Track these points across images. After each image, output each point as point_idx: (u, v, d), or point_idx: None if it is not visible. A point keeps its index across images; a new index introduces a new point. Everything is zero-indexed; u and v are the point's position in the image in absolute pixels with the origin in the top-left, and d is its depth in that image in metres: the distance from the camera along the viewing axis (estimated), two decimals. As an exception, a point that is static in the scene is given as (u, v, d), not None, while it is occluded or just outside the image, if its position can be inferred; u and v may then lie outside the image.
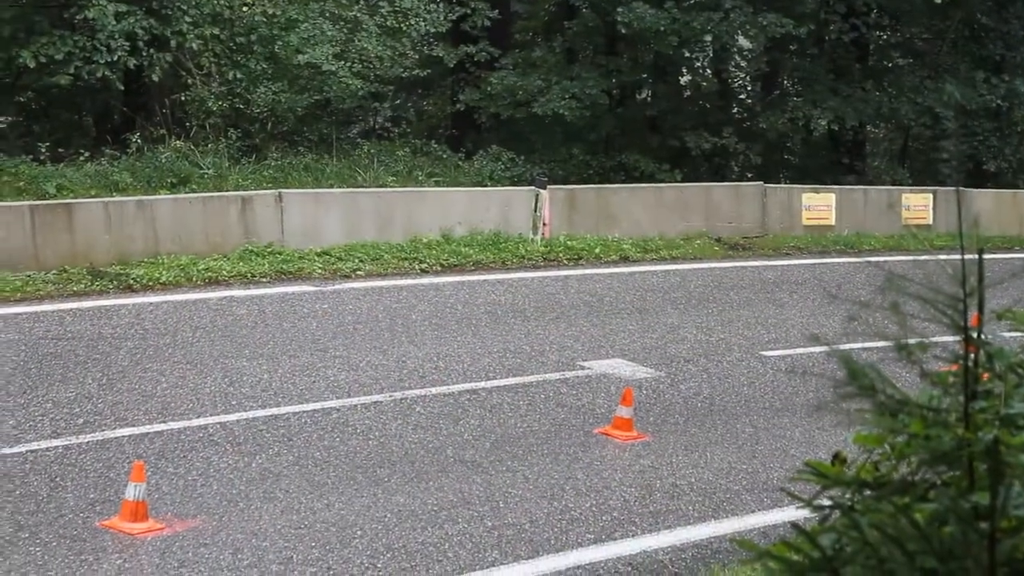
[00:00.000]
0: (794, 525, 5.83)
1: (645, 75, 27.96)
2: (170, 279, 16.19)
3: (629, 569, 9.43)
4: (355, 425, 11.76)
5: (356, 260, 17.99)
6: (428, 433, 11.73)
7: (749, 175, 26.71)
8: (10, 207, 16.70)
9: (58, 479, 10.02)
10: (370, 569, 9.00)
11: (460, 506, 10.18)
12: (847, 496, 5.08)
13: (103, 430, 11.05)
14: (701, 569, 9.45)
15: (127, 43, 20.83)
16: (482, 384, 13.19)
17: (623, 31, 25.69)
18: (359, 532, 9.53)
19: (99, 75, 20.93)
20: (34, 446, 10.59)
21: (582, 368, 13.94)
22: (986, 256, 3.23)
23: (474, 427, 11.99)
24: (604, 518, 10.22)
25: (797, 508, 5.99)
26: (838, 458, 5.15)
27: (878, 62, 30.23)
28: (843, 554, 4.78)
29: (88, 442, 10.78)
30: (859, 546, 4.72)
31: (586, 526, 10.04)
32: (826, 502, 6.31)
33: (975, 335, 3.30)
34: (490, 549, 9.47)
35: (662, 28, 25.00)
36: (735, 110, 29.81)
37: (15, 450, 10.48)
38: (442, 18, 24.50)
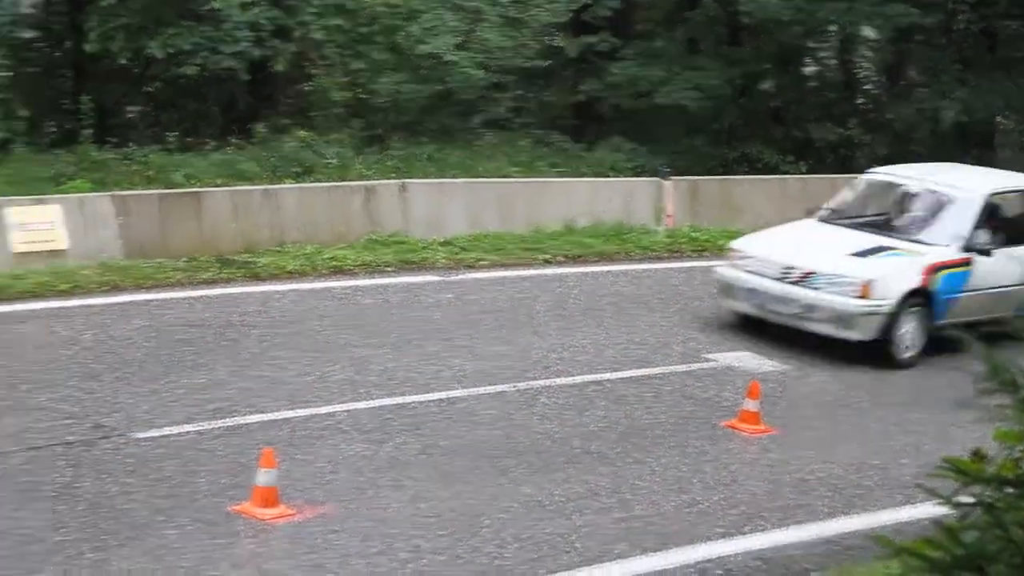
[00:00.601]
0: (937, 522, 5.69)
1: (768, 65, 27.67)
2: (296, 268, 16.32)
3: (759, 563, 9.36)
4: (481, 415, 11.78)
5: (479, 250, 18.00)
6: (554, 424, 11.72)
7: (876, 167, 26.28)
8: (141, 195, 16.94)
9: (191, 464, 10.16)
10: (498, 559, 9.01)
11: (587, 497, 10.17)
12: (987, 493, 4.95)
13: (233, 416, 11.17)
14: (832, 565, 9.35)
15: (252, 34, 21.05)
16: (607, 375, 13.15)
17: (746, 21, 25.45)
18: (487, 522, 9.55)
19: (225, 65, 21.19)
20: (167, 431, 10.74)
21: (707, 360, 13.84)
22: None
23: (600, 418, 11.96)
24: (733, 512, 10.16)
25: (935, 505, 5.84)
26: (978, 455, 5.03)
27: (1008, 52, 29.61)
28: (987, 552, 4.66)
29: (219, 428, 10.90)
30: (1003, 544, 4.60)
31: (715, 519, 9.99)
32: (966, 499, 6.15)
33: None
34: (618, 541, 9.45)
35: (786, 18, 24.74)
36: (860, 101, 29.41)
37: (149, 435, 10.64)
38: (563, 8, 24.45)
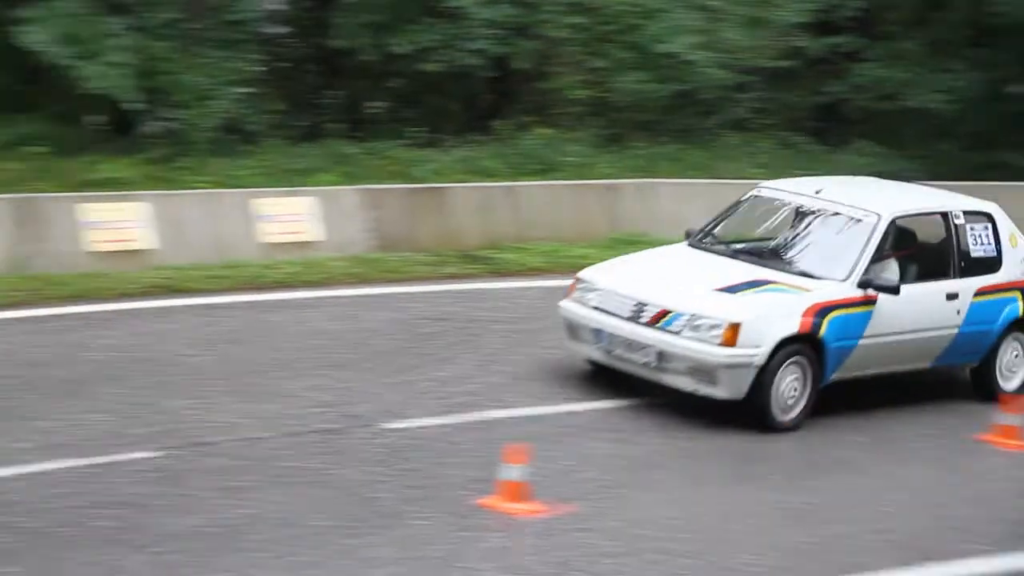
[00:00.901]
0: None
1: (1020, 68, 26.76)
2: (539, 264, 16.39)
3: (1022, 583, 9.02)
4: (728, 418, 11.58)
5: (722, 252, 17.78)
6: (801, 431, 11.47)
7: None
8: (389, 189, 17.22)
9: (439, 456, 10.20)
10: (752, 566, 8.84)
11: (840, 507, 9.96)
12: None
13: (480, 410, 11.20)
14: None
15: (493, 31, 21.18)
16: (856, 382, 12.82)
17: (996, 22, 24.67)
18: (738, 527, 9.40)
19: (466, 63, 21.36)
20: (416, 423, 10.81)
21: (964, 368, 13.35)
22: None
23: (850, 428, 11.67)
24: (992, 528, 9.82)
25: None
26: None
27: None
28: None
29: (466, 422, 10.94)
30: None
31: (973, 536, 9.64)
32: None
33: None
34: (874, 553, 9.20)
35: (1039, 19, 23.93)
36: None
37: (397, 425, 10.73)
38: (807, 8, 24.01)
